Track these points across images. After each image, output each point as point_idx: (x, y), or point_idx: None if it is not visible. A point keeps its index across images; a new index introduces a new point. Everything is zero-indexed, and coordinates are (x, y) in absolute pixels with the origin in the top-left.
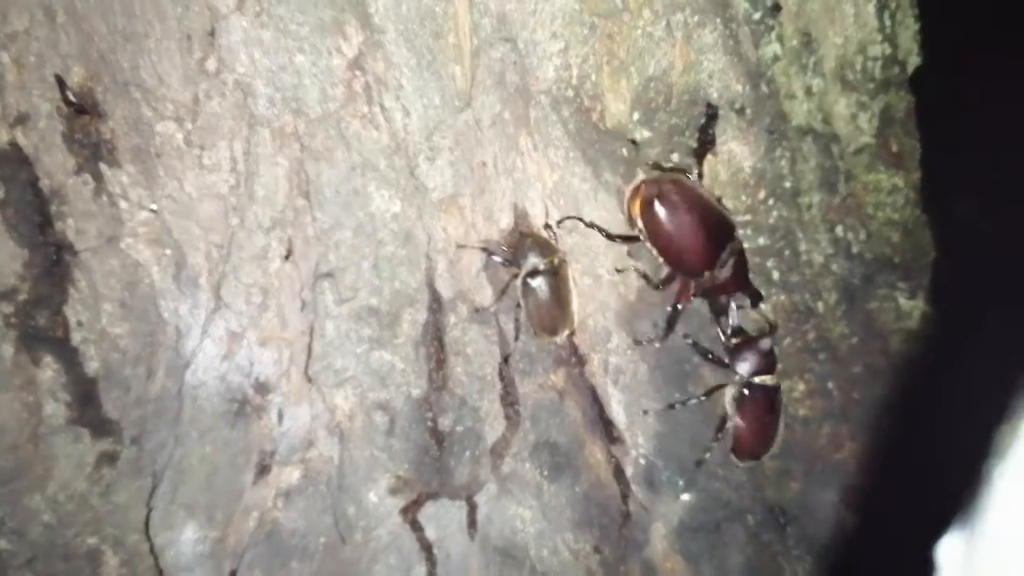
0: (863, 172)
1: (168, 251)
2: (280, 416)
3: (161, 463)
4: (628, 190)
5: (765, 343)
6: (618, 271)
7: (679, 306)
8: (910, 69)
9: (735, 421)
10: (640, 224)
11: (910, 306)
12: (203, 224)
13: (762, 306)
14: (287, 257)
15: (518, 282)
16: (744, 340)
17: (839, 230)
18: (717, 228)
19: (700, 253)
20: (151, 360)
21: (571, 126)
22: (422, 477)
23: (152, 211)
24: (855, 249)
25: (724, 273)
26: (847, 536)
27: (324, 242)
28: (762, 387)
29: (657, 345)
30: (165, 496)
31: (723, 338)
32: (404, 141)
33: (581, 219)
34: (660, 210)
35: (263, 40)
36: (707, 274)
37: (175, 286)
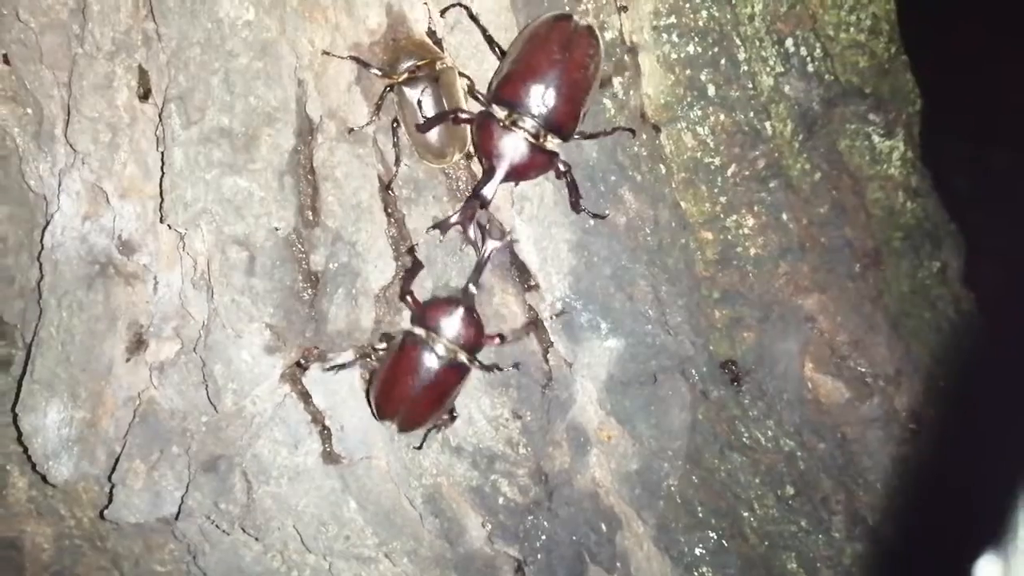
0: None
1: (28, 110)
2: (156, 284)
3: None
4: None
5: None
6: None
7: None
8: None
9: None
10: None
11: (887, 147)
12: (49, 61)
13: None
14: (145, 97)
15: (394, 94)
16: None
17: (790, 44)
18: (576, 84)
19: (535, 76)
20: (32, 246)
21: None
22: (293, 325)
23: (4, 59)
24: (811, 68)
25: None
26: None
27: (175, 64)
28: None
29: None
30: (26, 374)
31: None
32: None
33: (465, 5)
34: (545, 24)
35: None
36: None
37: (35, 144)
